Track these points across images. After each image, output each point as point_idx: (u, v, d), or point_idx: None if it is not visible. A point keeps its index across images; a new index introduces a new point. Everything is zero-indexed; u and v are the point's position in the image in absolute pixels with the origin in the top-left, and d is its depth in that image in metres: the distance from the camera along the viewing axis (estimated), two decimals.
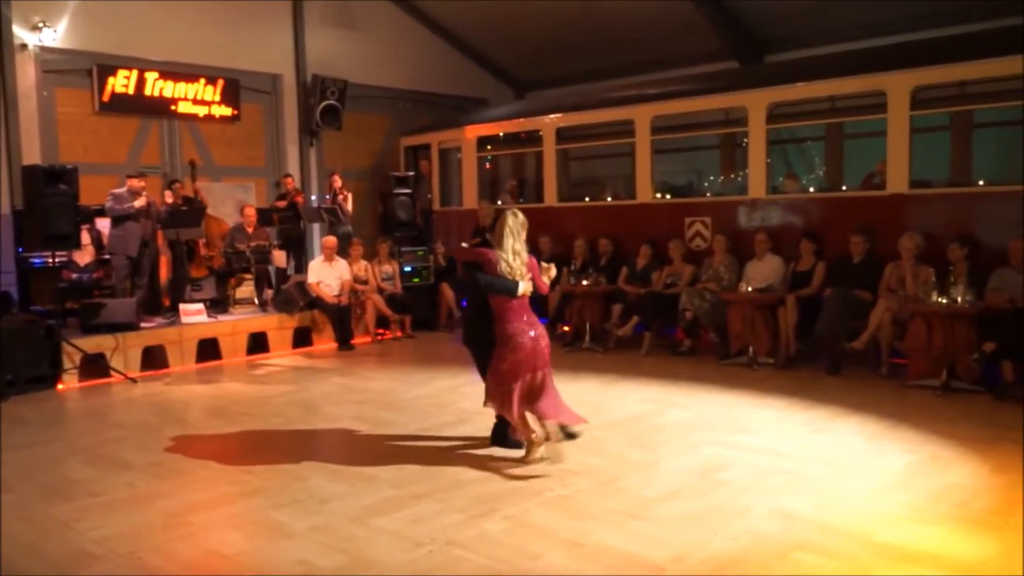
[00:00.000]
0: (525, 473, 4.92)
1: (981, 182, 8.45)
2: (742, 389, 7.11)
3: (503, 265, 5.06)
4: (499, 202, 11.75)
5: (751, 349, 8.13)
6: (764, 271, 8.48)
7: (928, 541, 3.83)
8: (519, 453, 5.20)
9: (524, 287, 5.07)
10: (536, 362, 5.06)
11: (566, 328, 9.77)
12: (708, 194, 11.20)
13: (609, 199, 11.15)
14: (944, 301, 6.84)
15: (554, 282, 9.69)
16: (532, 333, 5.08)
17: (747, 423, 6.04)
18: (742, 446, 5.42)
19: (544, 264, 5.35)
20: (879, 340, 7.54)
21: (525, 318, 5.12)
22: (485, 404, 5.25)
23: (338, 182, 11.43)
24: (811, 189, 10.02)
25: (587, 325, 9.36)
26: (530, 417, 5.15)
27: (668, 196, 10.58)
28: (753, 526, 4.06)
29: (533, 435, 5.14)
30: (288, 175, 11.83)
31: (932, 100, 8.29)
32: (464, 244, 10.46)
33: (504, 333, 5.07)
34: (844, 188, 9.79)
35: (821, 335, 7.77)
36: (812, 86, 8.84)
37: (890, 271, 7.65)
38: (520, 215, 5.21)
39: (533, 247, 10.52)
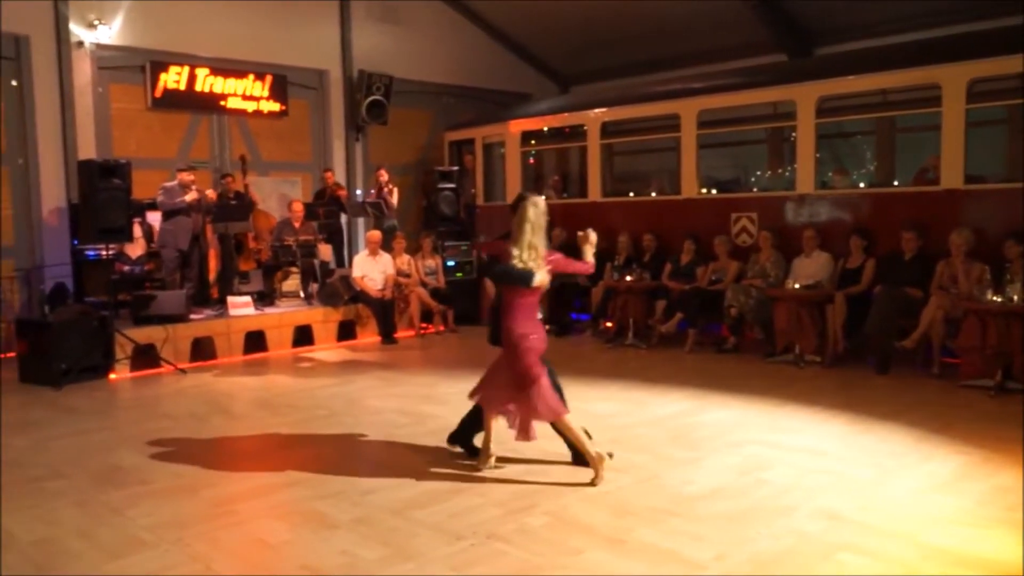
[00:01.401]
0: (567, 469, 4.91)
1: None
2: (787, 388, 7.01)
3: (515, 260, 4.69)
4: (543, 197, 11.72)
5: (797, 347, 8.00)
6: (812, 268, 8.35)
7: (977, 545, 3.74)
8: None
9: (539, 278, 4.65)
10: (541, 368, 4.76)
11: (609, 324, 9.72)
12: (755, 189, 11.04)
13: (654, 194, 11.05)
14: (999, 299, 6.67)
15: (597, 273, 9.66)
16: (536, 336, 4.74)
17: (791, 422, 5.96)
18: (786, 445, 5.35)
19: (581, 233, 5.00)
20: (930, 339, 7.36)
21: (536, 317, 4.79)
22: (471, 396, 5.02)
23: (384, 176, 11.53)
24: (861, 184, 9.82)
25: (630, 321, 9.31)
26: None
27: (714, 191, 10.46)
28: (797, 526, 4.00)
29: (491, 447, 4.98)
30: (328, 170, 11.96)
31: (989, 93, 8.06)
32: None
33: (512, 333, 4.69)
34: (895, 183, 9.58)
35: (870, 333, 7.61)
36: (863, 79, 8.65)
37: (941, 269, 7.47)
38: (541, 203, 4.79)
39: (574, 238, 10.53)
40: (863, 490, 4.49)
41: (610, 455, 4.80)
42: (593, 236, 5.01)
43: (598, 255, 10.19)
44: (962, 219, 7.61)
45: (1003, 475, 4.69)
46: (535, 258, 4.69)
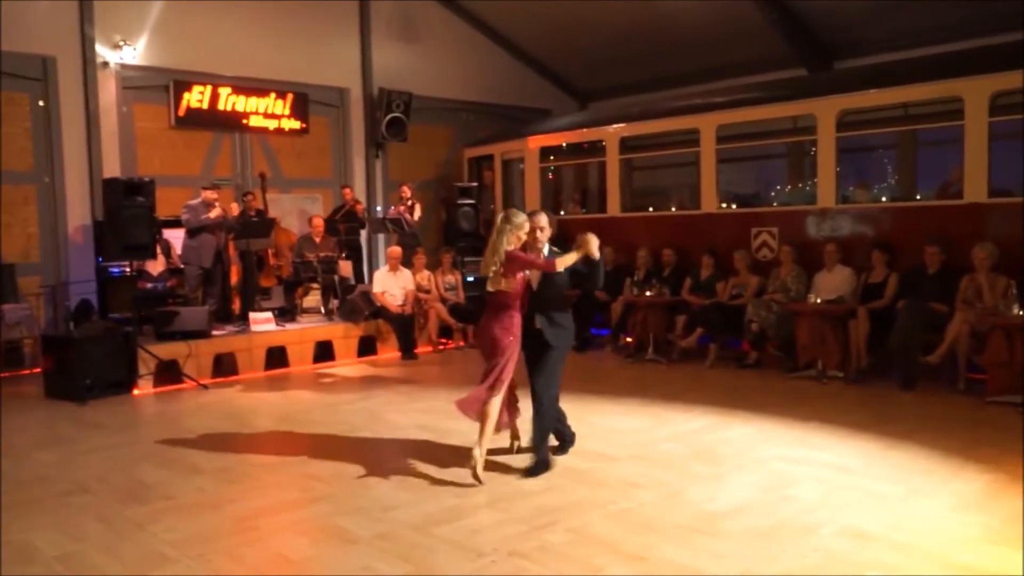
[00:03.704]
0: (591, 485, 4.89)
1: None
2: (810, 404, 6.95)
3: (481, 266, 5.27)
4: (562, 212, 11.74)
5: (820, 362, 7.94)
6: (834, 282, 8.28)
7: (1006, 564, 3.67)
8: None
9: (491, 280, 5.10)
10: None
11: (629, 339, 9.69)
12: (775, 204, 11.01)
13: (673, 209, 11.04)
14: None
15: (617, 288, 9.62)
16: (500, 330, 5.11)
17: (815, 438, 5.89)
18: (811, 461, 5.30)
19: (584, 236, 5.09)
20: (956, 354, 7.28)
21: (507, 318, 5.10)
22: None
23: (407, 192, 11.60)
24: (883, 198, 9.76)
25: (650, 336, 9.27)
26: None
27: (734, 206, 10.43)
28: (823, 544, 3.95)
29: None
30: (346, 186, 12.04)
31: (1012, 106, 8.00)
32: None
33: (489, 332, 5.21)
34: (918, 197, 9.51)
35: (894, 348, 7.54)
36: (884, 93, 8.62)
37: (965, 283, 7.38)
38: (516, 217, 5.07)
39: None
40: (890, 508, 4.43)
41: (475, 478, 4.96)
42: (591, 240, 5.09)
43: (618, 269, 10.19)
44: (986, 233, 7.54)
45: None
46: (494, 260, 5.05)
